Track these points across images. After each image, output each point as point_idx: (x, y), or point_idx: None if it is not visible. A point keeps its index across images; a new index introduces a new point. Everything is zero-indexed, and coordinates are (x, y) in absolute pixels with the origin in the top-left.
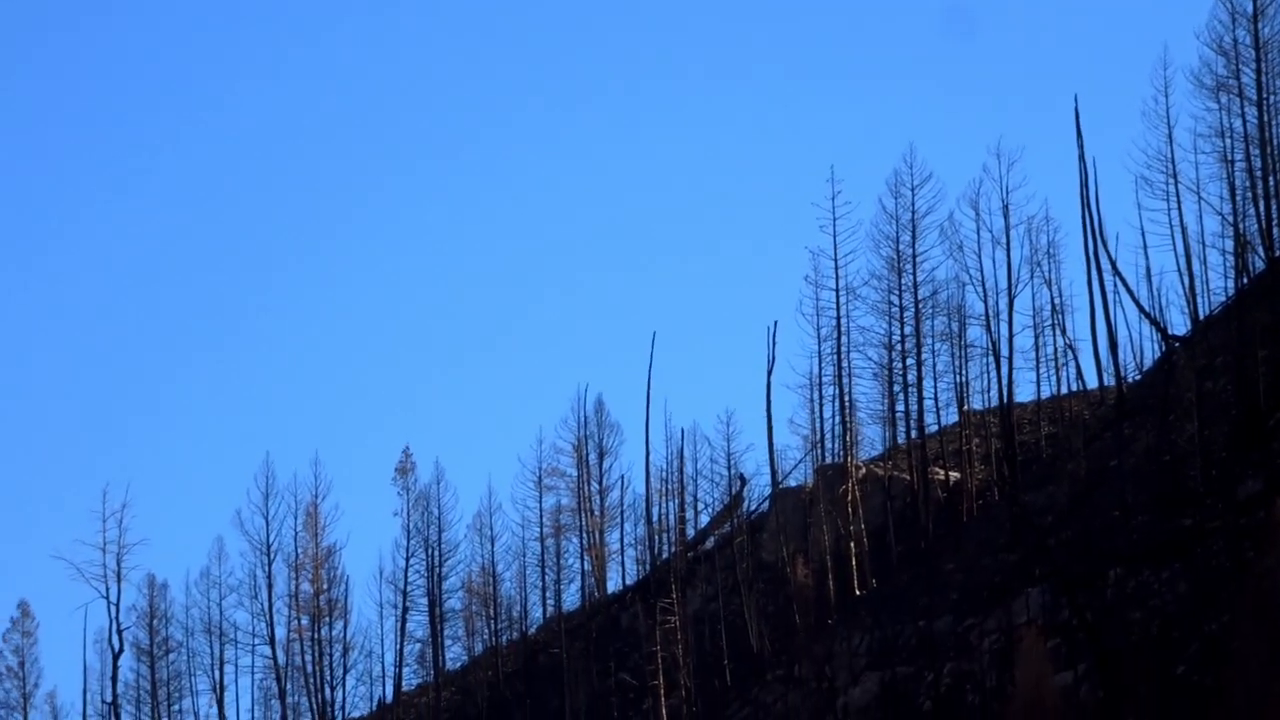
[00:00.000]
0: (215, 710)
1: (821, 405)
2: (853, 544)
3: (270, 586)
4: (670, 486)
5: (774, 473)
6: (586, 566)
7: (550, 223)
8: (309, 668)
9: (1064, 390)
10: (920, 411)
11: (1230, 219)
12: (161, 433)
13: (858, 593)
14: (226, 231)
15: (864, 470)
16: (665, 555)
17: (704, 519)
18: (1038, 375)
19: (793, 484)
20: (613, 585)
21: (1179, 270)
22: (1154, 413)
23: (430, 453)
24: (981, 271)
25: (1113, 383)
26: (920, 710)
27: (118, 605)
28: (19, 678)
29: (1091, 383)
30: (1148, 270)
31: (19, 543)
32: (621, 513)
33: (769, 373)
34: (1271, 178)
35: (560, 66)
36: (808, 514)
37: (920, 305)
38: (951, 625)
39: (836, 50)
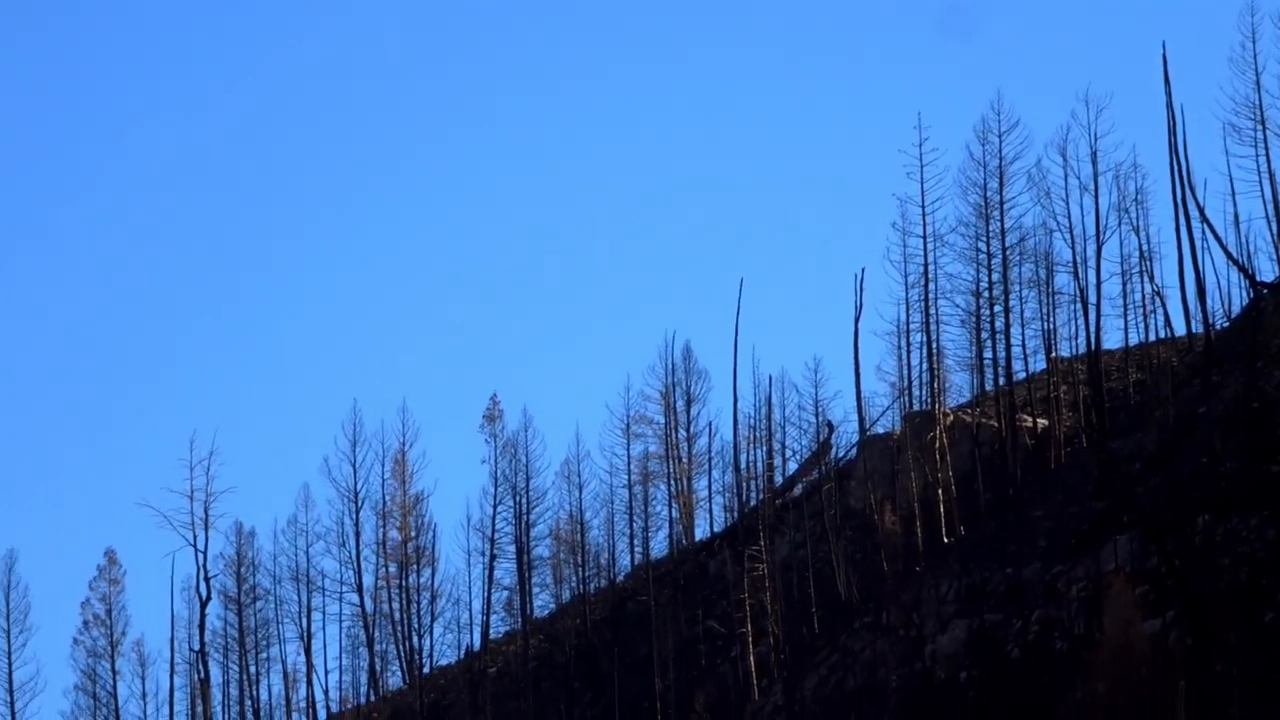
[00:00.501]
0: (303, 658)
1: (909, 352)
2: (940, 491)
3: (358, 534)
4: (758, 433)
5: (862, 420)
6: (674, 514)
7: (640, 171)
8: (396, 615)
9: (1152, 337)
10: (1008, 358)
11: None
12: (249, 380)
13: (945, 540)
14: (314, 176)
15: (952, 417)
16: (753, 502)
17: (792, 466)
18: (1125, 322)
19: (880, 431)
20: (700, 532)
21: (1267, 217)
22: (1242, 359)
23: (518, 400)
24: (1069, 218)
25: (1201, 329)
26: (1008, 657)
27: (205, 553)
28: (106, 626)
29: (1179, 329)
30: (1235, 217)
31: (107, 491)
32: (709, 460)
33: (857, 320)
34: None
35: (650, 18)
36: (895, 461)
37: (1008, 252)
38: (1039, 572)
39: None
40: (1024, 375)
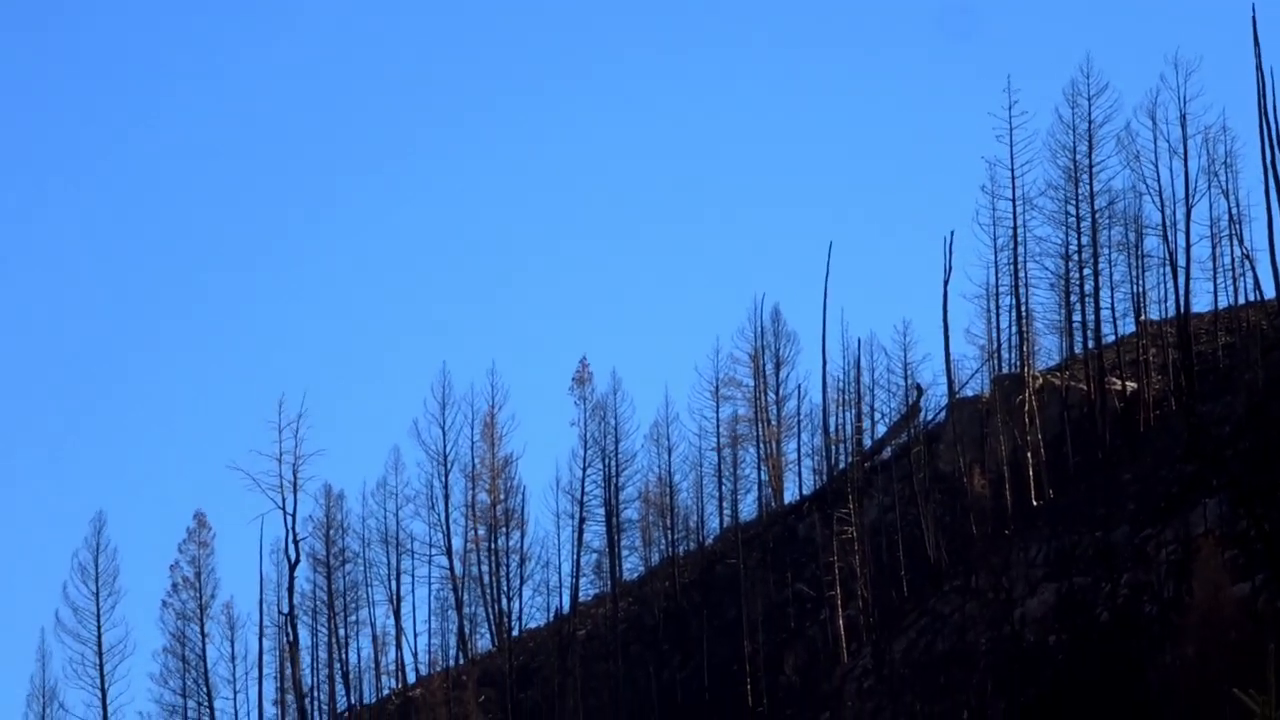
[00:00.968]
0: (392, 621)
1: (998, 315)
2: (1030, 454)
3: (447, 497)
4: (847, 396)
5: (951, 383)
6: (763, 476)
7: (729, 134)
8: (486, 578)
9: (1241, 300)
10: (1097, 321)
11: None
12: (339, 343)
13: (1035, 503)
14: (407, 134)
15: (1041, 380)
16: (842, 465)
17: (881, 429)
18: (1215, 285)
19: (969, 394)
20: (790, 495)
21: None
22: None
23: (607, 363)
24: (1159, 181)
25: None
26: (1097, 620)
27: (294, 516)
28: (195, 588)
29: (1269, 293)
30: None
31: (196, 454)
32: (798, 422)
33: (946, 283)
34: None
35: None
36: (984, 424)
37: (1097, 215)
38: (1129, 536)
39: None
40: (1113, 338)
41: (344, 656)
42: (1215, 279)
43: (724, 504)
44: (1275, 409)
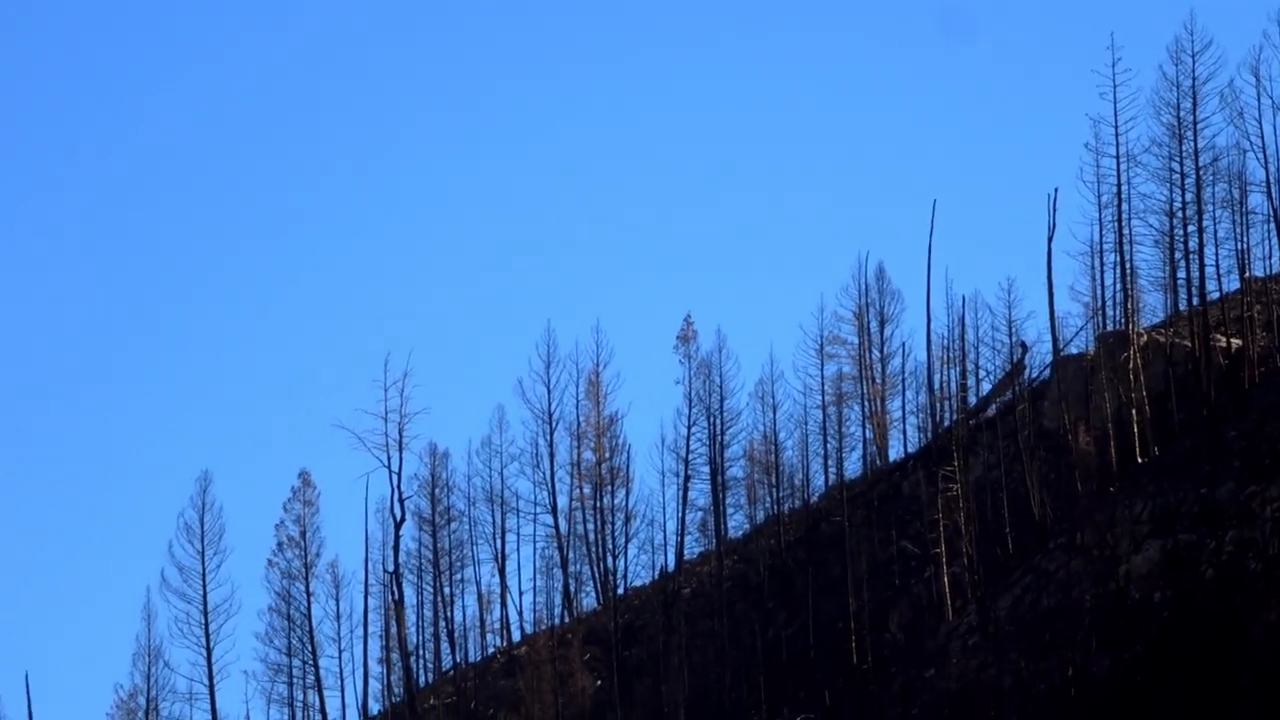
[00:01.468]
0: (497, 579)
1: (1102, 272)
2: (1134, 411)
3: (552, 455)
4: (951, 354)
5: (1055, 340)
6: (868, 434)
7: (836, 93)
8: (591, 536)
9: None
10: (1202, 278)
11: None
12: (444, 302)
13: (1139, 460)
14: (512, 97)
15: (1145, 337)
16: (947, 423)
17: (985, 386)
18: None
19: (1074, 351)
20: (894, 453)
21: None
22: None
23: (712, 320)
24: (1263, 138)
25: None
26: (1202, 577)
27: (399, 474)
28: (300, 547)
29: None
30: None
31: (301, 412)
32: (903, 380)
33: (1050, 240)
34: None
35: None
36: (1089, 381)
37: (1201, 172)
38: (1234, 493)
39: None
40: (1218, 295)
41: (449, 615)
42: None
43: (829, 462)
44: None
